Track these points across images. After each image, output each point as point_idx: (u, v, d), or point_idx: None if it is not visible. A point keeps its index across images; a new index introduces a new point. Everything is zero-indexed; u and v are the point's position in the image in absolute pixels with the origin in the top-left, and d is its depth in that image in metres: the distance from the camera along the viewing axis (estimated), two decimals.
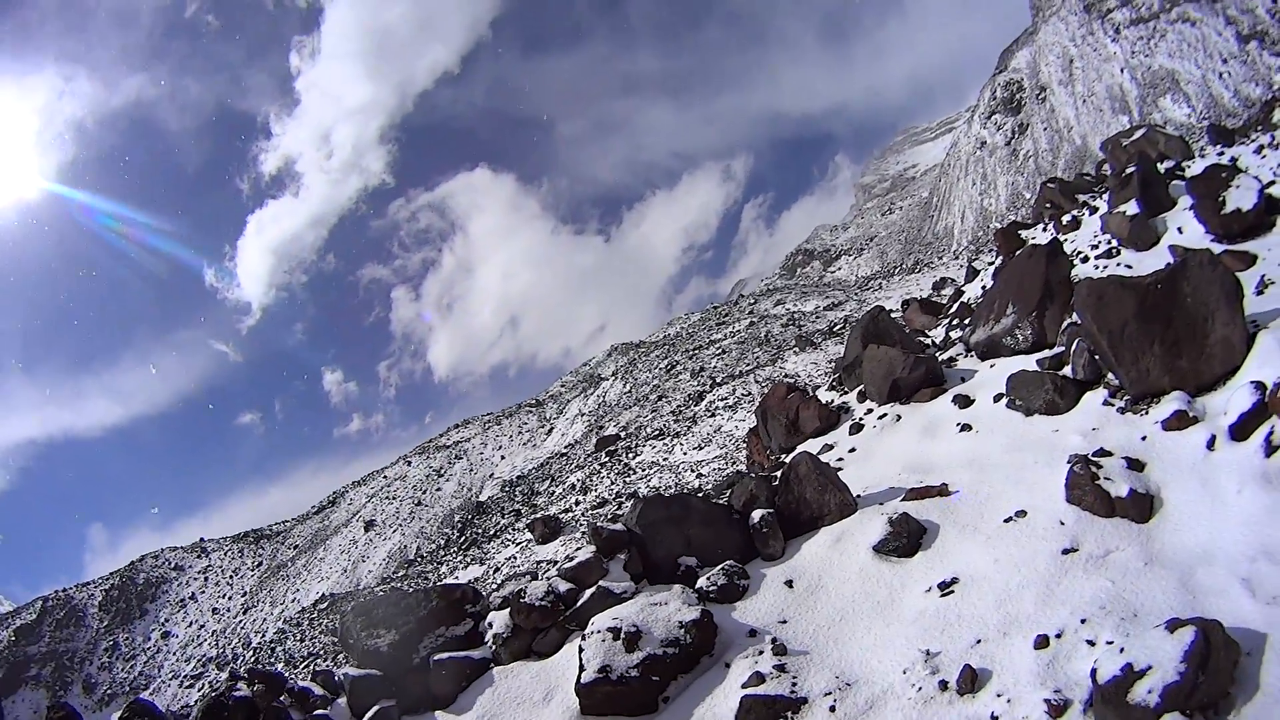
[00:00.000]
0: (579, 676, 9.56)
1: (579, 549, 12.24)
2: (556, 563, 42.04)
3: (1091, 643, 8.08)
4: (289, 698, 11.18)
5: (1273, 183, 21.31)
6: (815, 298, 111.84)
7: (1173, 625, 7.46)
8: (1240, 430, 10.17)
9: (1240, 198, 18.94)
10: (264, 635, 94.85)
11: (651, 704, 9.39)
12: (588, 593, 11.19)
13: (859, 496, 12.09)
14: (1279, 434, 9.62)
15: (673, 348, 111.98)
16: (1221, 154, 28.03)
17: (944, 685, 8.22)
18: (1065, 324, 15.17)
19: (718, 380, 78.75)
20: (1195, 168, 25.69)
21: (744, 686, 8.99)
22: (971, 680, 8.11)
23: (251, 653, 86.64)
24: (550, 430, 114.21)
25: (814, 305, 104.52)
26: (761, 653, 9.43)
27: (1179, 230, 21.03)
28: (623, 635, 9.63)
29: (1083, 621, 8.39)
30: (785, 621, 9.96)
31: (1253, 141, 28.29)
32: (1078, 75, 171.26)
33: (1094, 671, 7.53)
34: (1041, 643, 8.27)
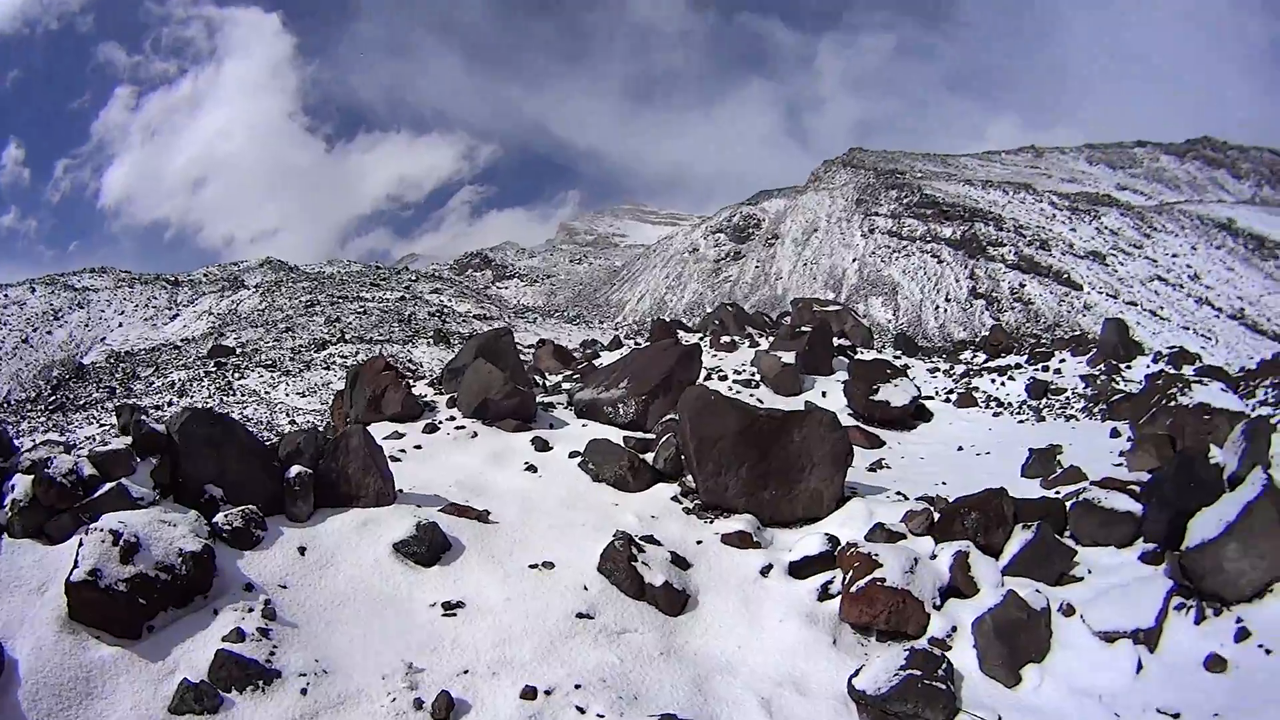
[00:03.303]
0: (71, 572, 8.47)
1: (115, 436, 11.14)
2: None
3: (581, 710, 7.99)
4: None
5: (930, 397, 23.00)
6: (470, 303, 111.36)
7: None
8: (799, 569, 10.65)
9: (894, 393, 20.40)
10: None
11: (135, 628, 8.40)
12: (107, 486, 9.97)
13: (401, 492, 11.72)
14: (837, 585, 10.11)
15: (321, 287, 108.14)
16: (899, 358, 29.84)
17: (419, 704, 7.90)
18: (666, 417, 15.53)
19: (347, 337, 77.19)
20: (867, 356, 27.31)
21: (223, 639, 8.33)
22: (447, 708, 7.83)
23: None
24: (175, 316, 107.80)
25: (467, 309, 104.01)
26: (251, 610, 8.77)
27: (823, 394, 22.19)
28: (122, 542, 8.65)
29: (577, 686, 8.30)
30: (286, 587, 9.34)
31: (931, 362, 30.34)
32: (813, 243, 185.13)
33: None
34: (529, 693, 8.11)
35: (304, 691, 7.93)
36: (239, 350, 73.51)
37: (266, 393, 56.40)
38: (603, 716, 7.89)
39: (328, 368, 62.44)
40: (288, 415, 49.76)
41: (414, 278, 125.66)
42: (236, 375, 61.69)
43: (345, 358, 65.25)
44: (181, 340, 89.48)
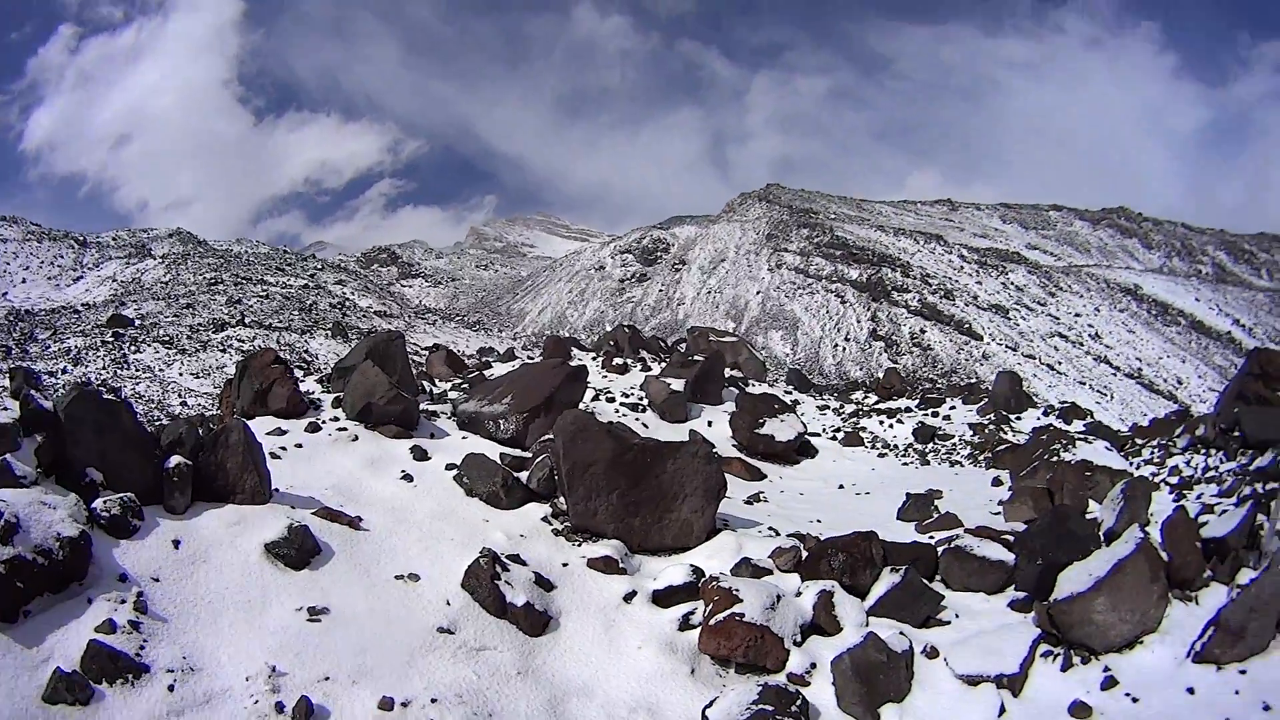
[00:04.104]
0: None
1: (4, 409, 10.99)
2: None
3: None
4: None
5: (817, 434, 23.51)
6: (373, 298, 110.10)
7: None
8: (663, 598, 10.87)
9: (779, 427, 20.76)
10: None
11: (12, 612, 8.32)
12: None
13: (278, 491, 11.73)
14: (699, 616, 10.36)
15: (226, 265, 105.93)
16: (789, 393, 30.32)
17: (280, 708, 8.01)
18: (545, 437, 15.62)
19: (246, 320, 76.03)
20: (757, 389, 27.67)
21: (96, 630, 8.33)
22: (306, 714, 7.97)
23: None
24: (79, 279, 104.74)
25: (368, 304, 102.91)
26: (124, 601, 8.75)
27: (709, 423, 22.53)
28: (2, 522, 8.55)
29: (433, 700, 8.49)
30: (159, 580, 9.32)
31: (822, 400, 30.85)
32: (719, 272, 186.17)
33: None
34: (386, 704, 8.28)
35: (171, 688, 7.99)
36: (138, 322, 71.99)
37: (161, 370, 55.43)
38: None
39: (224, 350, 61.53)
40: (180, 396, 49.13)
41: (320, 267, 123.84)
42: (133, 348, 60.42)
43: (243, 342, 64.42)
44: (82, 305, 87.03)
